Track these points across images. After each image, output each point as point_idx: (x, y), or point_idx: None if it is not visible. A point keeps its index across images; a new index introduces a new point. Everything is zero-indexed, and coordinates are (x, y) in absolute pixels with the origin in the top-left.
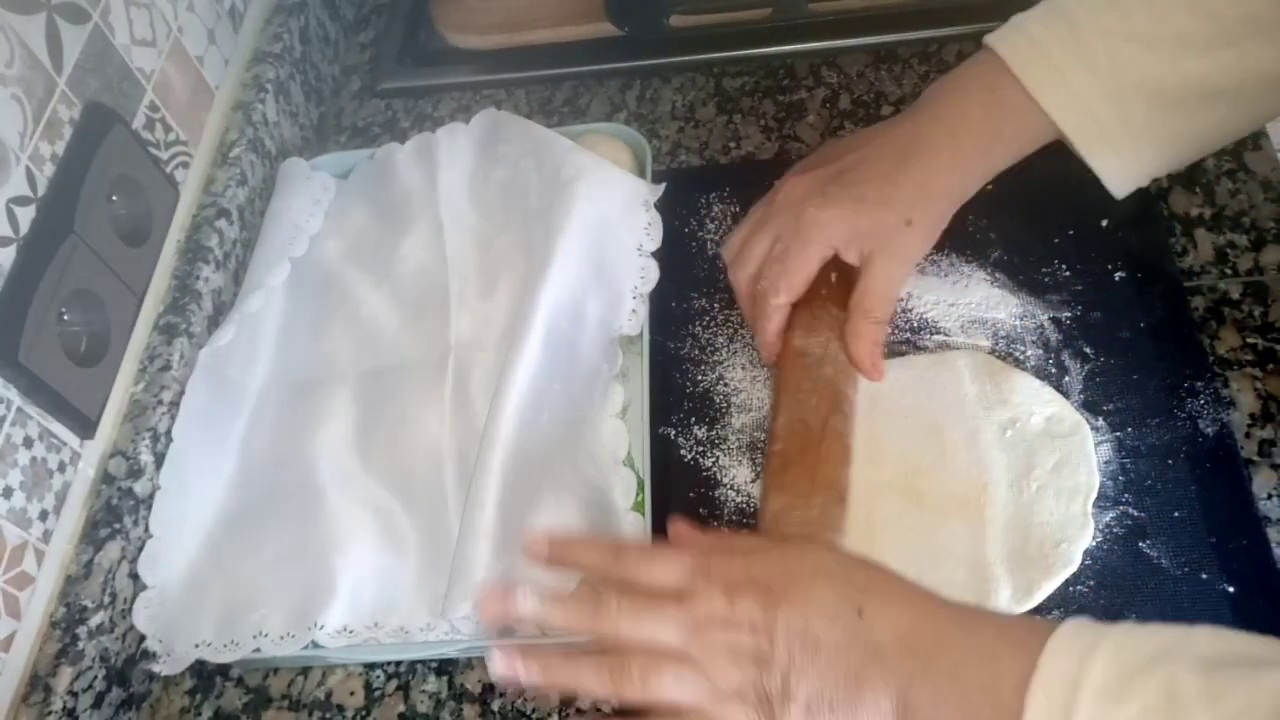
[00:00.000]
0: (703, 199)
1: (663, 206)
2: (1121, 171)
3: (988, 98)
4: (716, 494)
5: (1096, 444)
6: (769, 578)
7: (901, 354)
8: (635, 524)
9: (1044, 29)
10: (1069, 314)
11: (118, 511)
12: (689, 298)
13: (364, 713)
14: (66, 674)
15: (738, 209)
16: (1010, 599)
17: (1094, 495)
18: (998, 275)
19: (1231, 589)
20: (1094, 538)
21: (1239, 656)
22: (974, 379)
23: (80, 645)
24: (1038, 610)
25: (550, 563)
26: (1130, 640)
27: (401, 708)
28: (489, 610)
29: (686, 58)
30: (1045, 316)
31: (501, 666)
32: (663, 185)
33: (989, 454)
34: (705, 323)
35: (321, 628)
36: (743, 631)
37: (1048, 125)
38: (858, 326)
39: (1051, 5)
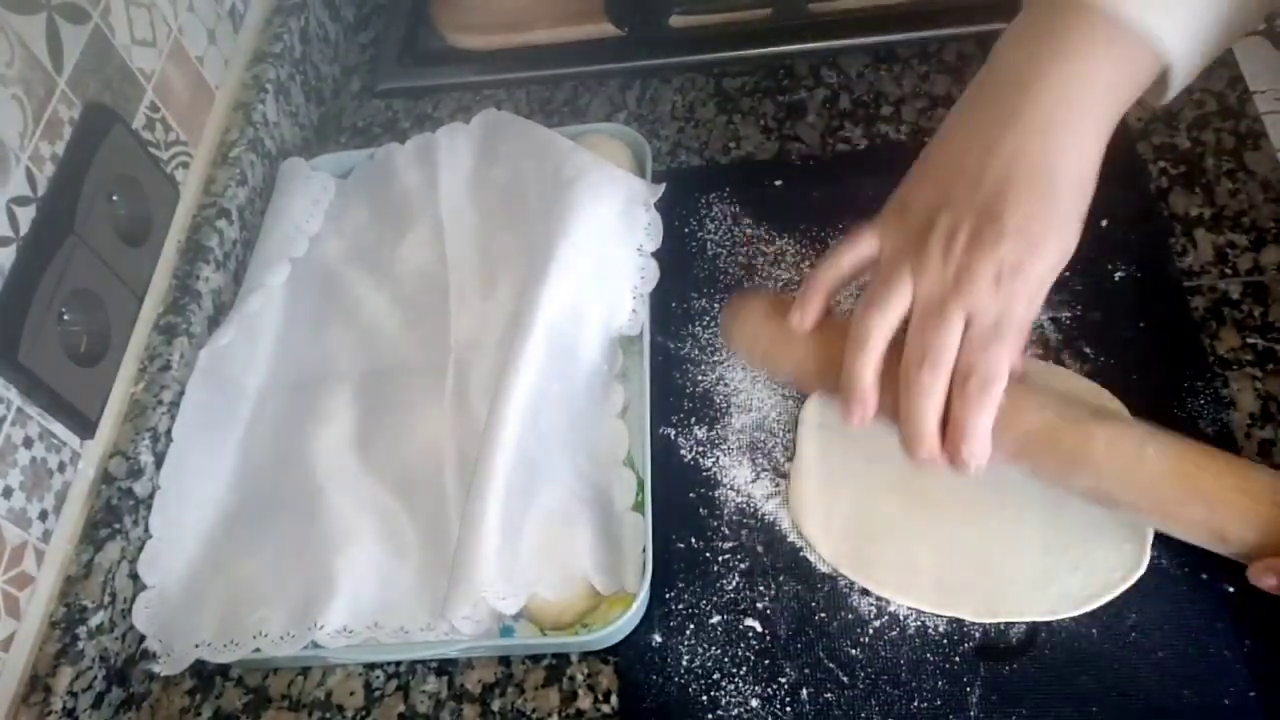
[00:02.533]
0: (703, 199)
1: (663, 206)
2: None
3: (1088, 60)
4: (716, 494)
5: None
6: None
7: None
8: (635, 524)
9: None
10: (1068, 314)
11: (117, 511)
12: (689, 298)
13: (364, 713)
14: (66, 674)
15: (737, 209)
16: (1062, 604)
17: None
18: None
19: (1231, 589)
20: None
21: None
22: None
23: (80, 645)
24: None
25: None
26: None
27: (401, 708)
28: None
29: (686, 58)
30: (1045, 316)
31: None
32: (663, 185)
33: None
34: (705, 323)
35: (321, 628)
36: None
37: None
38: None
39: None
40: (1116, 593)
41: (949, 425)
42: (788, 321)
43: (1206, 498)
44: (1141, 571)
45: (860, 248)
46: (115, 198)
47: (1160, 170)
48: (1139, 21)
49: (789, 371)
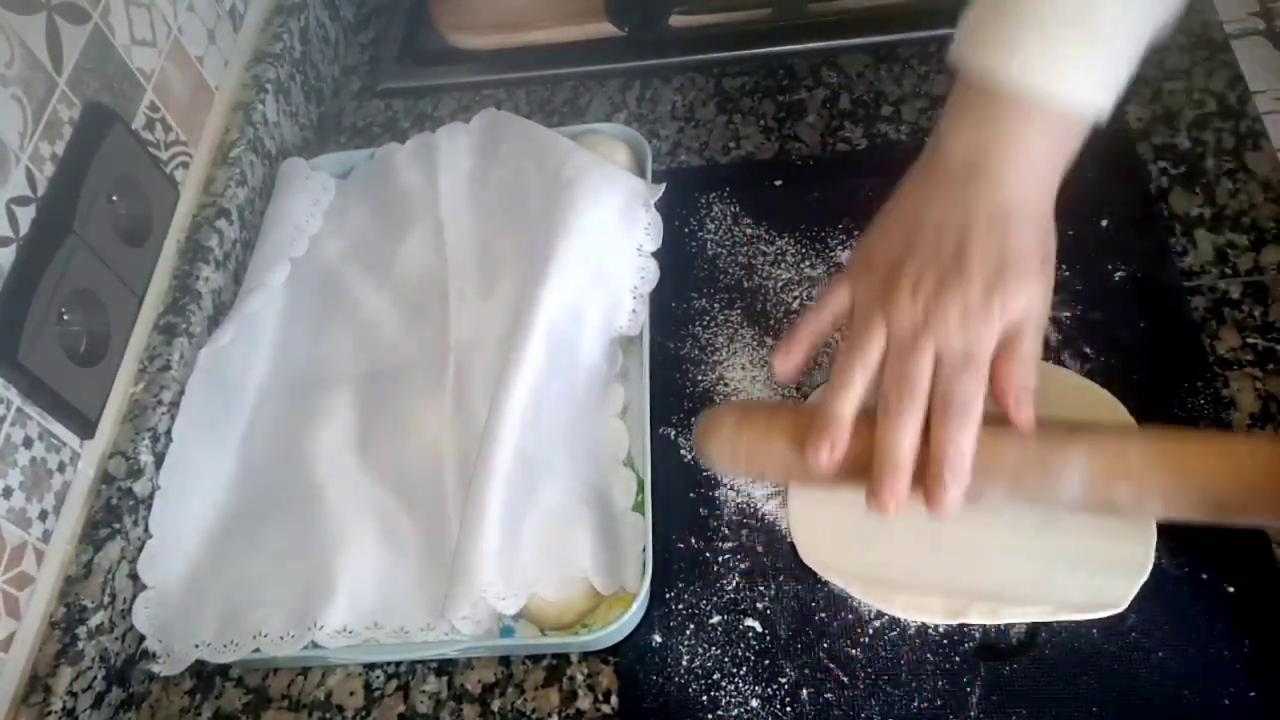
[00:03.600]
0: (703, 199)
1: (663, 206)
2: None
3: (1028, 128)
4: (716, 494)
5: None
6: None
7: None
8: (635, 524)
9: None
10: (1069, 314)
11: (117, 512)
12: (689, 298)
13: (364, 713)
14: (66, 674)
15: (738, 209)
16: (1064, 605)
17: None
18: None
19: (1231, 589)
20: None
21: None
22: None
23: (80, 645)
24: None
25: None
26: None
27: (401, 708)
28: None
29: (686, 58)
30: None
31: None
32: (663, 185)
33: None
34: (705, 323)
35: (321, 628)
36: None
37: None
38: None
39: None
40: (1123, 606)
41: (929, 456)
42: (773, 369)
43: (1197, 475)
44: (1145, 576)
45: (835, 301)
46: (115, 198)
47: (1160, 170)
48: (1067, 102)
49: (771, 466)
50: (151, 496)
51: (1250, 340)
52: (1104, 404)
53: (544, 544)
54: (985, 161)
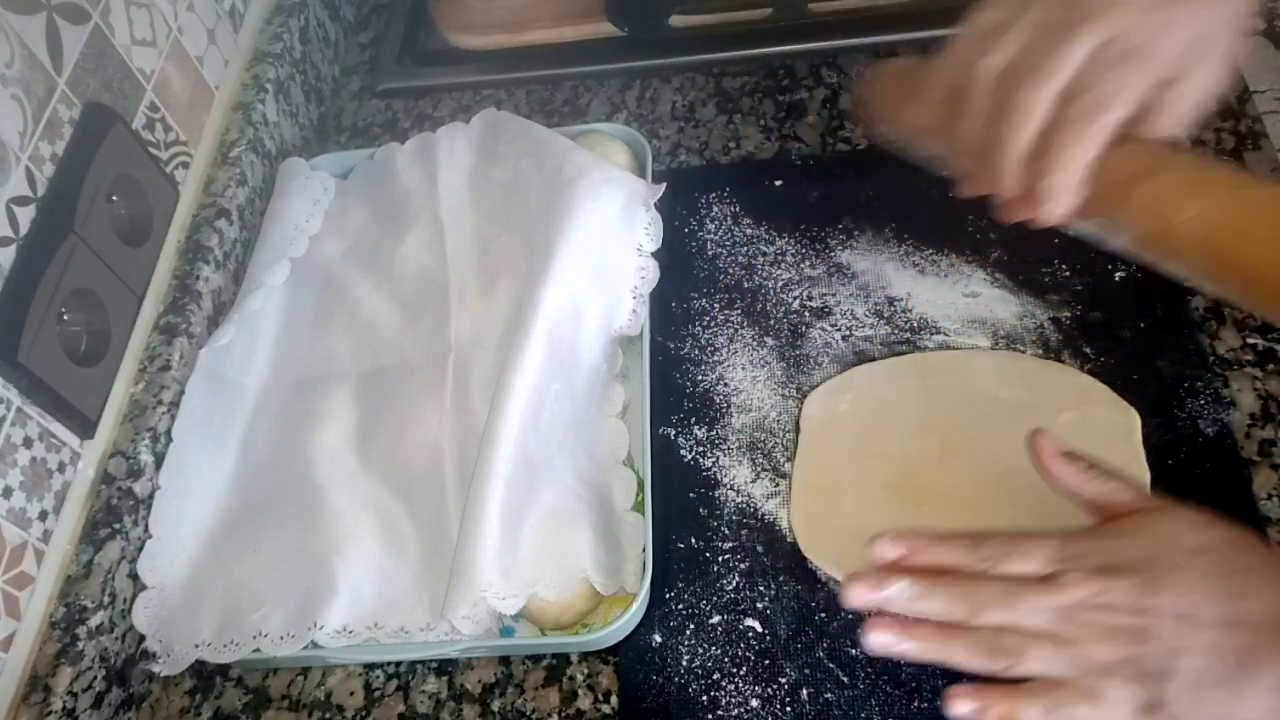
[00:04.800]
0: (703, 199)
1: (663, 206)
2: None
3: None
4: (716, 494)
5: None
6: (1143, 560)
7: (901, 354)
8: (635, 524)
9: None
10: (1069, 314)
11: (117, 511)
12: (689, 298)
13: (364, 713)
14: (66, 674)
15: (738, 209)
16: None
17: (1146, 490)
18: (998, 275)
19: None
20: None
21: None
22: (998, 378)
23: (80, 645)
24: None
25: (907, 562)
26: None
27: (401, 708)
28: (859, 597)
29: (686, 58)
30: (1045, 316)
31: (878, 638)
32: (663, 185)
33: (1011, 451)
34: (705, 323)
35: (321, 628)
36: (1119, 614)
37: None
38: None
39: None
40: None
41: (1036, 157)
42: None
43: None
44: None
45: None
46: (115, 198)
47: None
48: None
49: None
50: (151, 496)
51: (1250, 340)
52: (1107, 402)
53: (544, 544)
54: None
